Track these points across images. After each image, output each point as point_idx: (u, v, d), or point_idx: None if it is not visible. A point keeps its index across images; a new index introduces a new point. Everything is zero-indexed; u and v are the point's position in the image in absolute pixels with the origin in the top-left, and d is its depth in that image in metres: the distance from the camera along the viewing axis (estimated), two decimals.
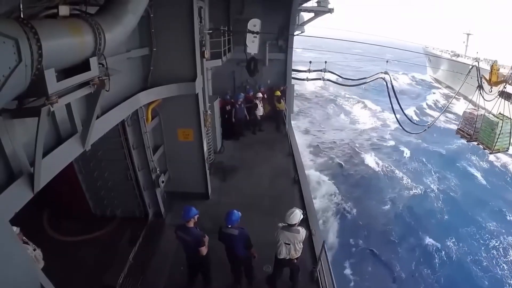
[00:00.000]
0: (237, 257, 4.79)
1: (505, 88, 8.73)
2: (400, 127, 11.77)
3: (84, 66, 2.78)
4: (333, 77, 12.61)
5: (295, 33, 12.77)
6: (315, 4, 13.28)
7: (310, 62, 11.72)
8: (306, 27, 14.78)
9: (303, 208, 7.02)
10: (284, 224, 4.57)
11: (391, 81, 10.51)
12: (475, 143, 9.69)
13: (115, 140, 5.75)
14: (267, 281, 5.21)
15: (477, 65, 9.24)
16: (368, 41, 9.91)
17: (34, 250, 3.82)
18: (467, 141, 10.07)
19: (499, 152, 9.32)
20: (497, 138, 8.69)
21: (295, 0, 11.48)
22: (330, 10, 13.24)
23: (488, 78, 8.94)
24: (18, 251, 2.61)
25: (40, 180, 2.72)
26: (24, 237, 3.66)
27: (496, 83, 8.83)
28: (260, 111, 11.81)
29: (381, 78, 10.68)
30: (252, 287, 5.20)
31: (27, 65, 1.92)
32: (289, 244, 4.55)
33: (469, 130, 9.70)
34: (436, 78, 43.19)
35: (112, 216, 6.78)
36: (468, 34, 37.23)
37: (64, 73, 2.60)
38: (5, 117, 2.35)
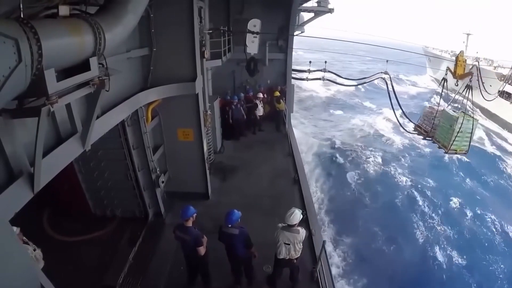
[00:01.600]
0: (237, 256, 4.79)
1: (470, 81, 7.94)
2: (401, 127, 11.55)
3: (84, 66, 2.77)
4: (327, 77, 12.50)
5: (295, 33, 12.77)
6: (315, 4, 13.28)
7: (310, 62, 11.73)
8: (306, 27, 14.78)
9: (303, 208, 7.02)
10: (283, 224, 4.57)
11: (391, 81, 10.51)
12: (432, 141, 9.03)
13: (115, 140, 5.75)
14: (267, 281, 5.21)
15: (477, 65, 9.23)
16: (367, 42, 9.91)
17: (34, 250, 3.82)
18: (423, 138, 9.48)
19: (456, 153, 8.50)
20: (455, 136, 7.87)
21: (295, 0, 11.49)
22: (330, 10, 13.23)
23: (453, 71, 8.24)
24: (18, 251, 2.61)
25: (40, 180, 2.72)
26: (24, 237, 3.66)
27: (462, 76, 8.11)
28: (260, 111, 11.81)
29: (381, 78, 10.68)
30: (252, 287, 5.19)
31: (27, 65, 1.92)
32: (289, 244, 4.55)
33: (427, 127, 9.07)
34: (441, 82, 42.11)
35: (112, 216, 6.78)
36: (468, 34, 37.25)
37: (64, 73, 2.60)
38: (5, 117, 2.34)
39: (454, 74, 8.20)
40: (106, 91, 3.27)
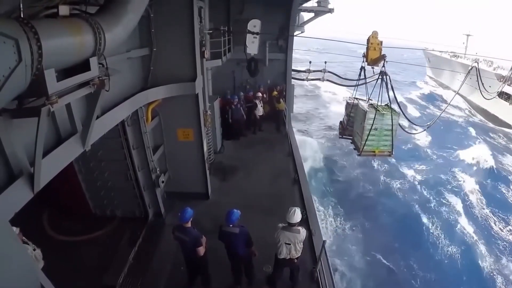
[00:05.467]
0: (238, 255, 4.79)
1: (384, 67, 6.69)
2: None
3: (84, 66, 2.77)
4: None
5: (295, 33, 12.78)
6: (315, 4, 13.30)
7: (310, 62, 11.74)
8: (309, 27, 14.78)
9: (303, 208, 7.03)
10: (284, 225, 4.57)
11: (390, 80, 10.51)
12: (350, 140, 7.88)
13: (115, 140, 5.75)
14: (267, 281, 5.21)
15: (477, 66, 9.25)
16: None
17: (34, 250, 3.81)
18: (340, 137, 8.59)
19: (374, 155, 7.13)
20: (367, 135, 6.67)
21: (295, 0, 11.49)
22: (330, 10, 13.27)
23: (365, 55, 6.88)
24: (18, 251, 2.61)
25: (40, 180, 2.72)
26: (24, 237, 3.66)
27: (375, 61, 6.77)
28: (259, 111, 11.81)
29: (380, 78, 10.67)
30: (252, 287, 5.19)
31: (27, 65, 1.92)
32: (290, 244, 4.55)
33: (346, 124, 8.06)
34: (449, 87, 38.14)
35: (112, 216, 6.78)
36: (468, 35, 37.30)
37: (64, 73, 2.60)
38: (5, 117, 2.34)
39: (366, 59, 6.88)
40: (106, 91, 3.27)
